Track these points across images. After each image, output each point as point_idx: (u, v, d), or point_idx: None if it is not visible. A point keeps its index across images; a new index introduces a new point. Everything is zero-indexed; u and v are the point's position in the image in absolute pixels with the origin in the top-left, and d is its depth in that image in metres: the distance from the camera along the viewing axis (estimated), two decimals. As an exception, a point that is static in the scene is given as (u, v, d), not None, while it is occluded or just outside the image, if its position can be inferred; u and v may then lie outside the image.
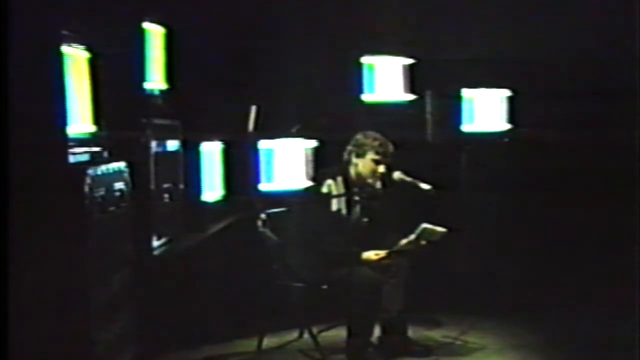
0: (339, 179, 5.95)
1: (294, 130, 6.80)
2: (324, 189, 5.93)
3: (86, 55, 4.56)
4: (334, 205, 5.92)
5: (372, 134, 5.99)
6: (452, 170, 7.38)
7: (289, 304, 6.10)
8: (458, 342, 6.27)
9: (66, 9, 4.28)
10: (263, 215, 6.06)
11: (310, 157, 6.62)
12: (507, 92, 7.55)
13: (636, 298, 6.08)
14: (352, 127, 6.29)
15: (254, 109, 6.80)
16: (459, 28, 7.43)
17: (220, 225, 6.39)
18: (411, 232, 5.79)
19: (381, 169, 5.91)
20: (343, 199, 5.93)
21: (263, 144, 6.54)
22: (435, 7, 7.37)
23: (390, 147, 5.95)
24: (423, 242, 5.81)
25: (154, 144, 5.43)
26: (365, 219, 6.02)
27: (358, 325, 5.69)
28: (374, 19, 7.25)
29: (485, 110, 7.50)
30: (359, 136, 6.01)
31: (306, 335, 6.08)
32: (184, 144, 5.91)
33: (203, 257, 6.10)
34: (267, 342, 6.05)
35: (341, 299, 5.70)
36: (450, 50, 7.44)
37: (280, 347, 6.19)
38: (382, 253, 5.80)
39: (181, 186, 5.88)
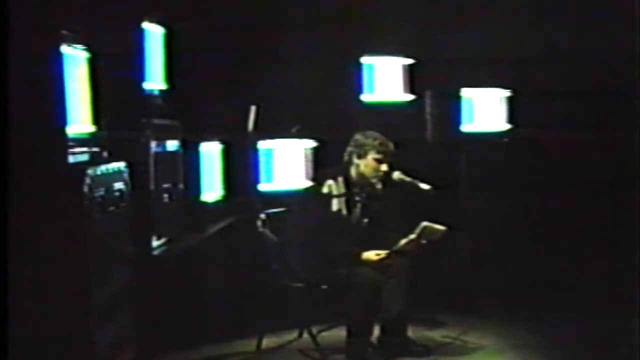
0: (340, 179, 5.95)
1: (294, 130, 6.79)
2: (324, 189, 5.93)
3: (86, 55, 4.56)
4: (334, 205, 5.92)
5: (371, 133, 5.99)
6: (451, 170, 7.37)
7: (289, 304, 6.10)
8: (458, 342, 6.27)
9: (66, 9, 4.28)
10: (263, 215, 6.06)
11: (310, 157, 6.62)
12: (507, 92, 7.55)
13: (636, 298, 6.08)
14: (352, 127, 6.29)
15: (254, 109, 6.80)
16: (458, 28, 7.43)
17: (220, 225, 6.39)
18: (411, 232, 5.79)
19: (383, 167, 5.92)
20: (343, 199, 5.94)
21: (263, 144, 6.53)
22: (435, 8, 7.38)
23: (391, 146, 5.95)
24: (423, 241, 5.81)
25: (153, 144, 5.43)
26: (366, 219, 6.02)
27: (358, 325, 5.69)
28: (374, 19, 7.25)
29: (485, 110, 7.49)
30: (358, 136, 6.01)
31: (306, 335, 6.08)
32: (183, 144, 5.91)
33: (203, 257, 6.10)
34: (267, 342, 6.06)
35: (341, 299, 5.70)
36: (450, 50, 7.44)
37: (280, 347, 6.19)
38: (382, 253, 5.80)
39: (181, 186, 5.88)
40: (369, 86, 7.24)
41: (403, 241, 5.81)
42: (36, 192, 4.08)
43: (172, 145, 5.76)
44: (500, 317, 6.75)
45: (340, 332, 5.89)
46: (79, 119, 4.45)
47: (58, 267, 4.11)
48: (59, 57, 4.21)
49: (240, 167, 6.61)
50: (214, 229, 6.28)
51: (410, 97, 7.34)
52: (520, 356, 6.00)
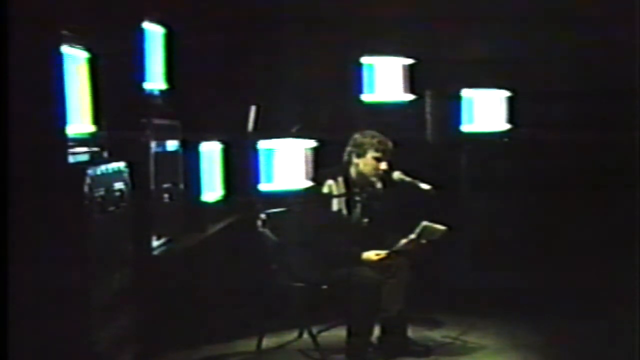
0: (340, 179, 5.95)
1: (294, 130, 6.80)
2: (325, 189, 5.93)
3: (86, 55, 4.56)
4: (335, 205, 5.92)
5: (370, 132, 5.99)
6: (452, 170, 7.38)
7: (289, 304, 6.10)
8: (458, 342, 6.26)
9: (66, 9, 4.28)
10: (263, 215, 6.06)
11: (310, 157, 6.62)
12: (507, 92, 7.55)
13: (636, 298, 6.08)
14: (352, 127, 6.29)
15: (254, 109, 6.81)
16: (458, 28, 7.43)
17: (220, 225, 6.39)
18: (411, 232, 5.79)
19: (383, 166, 5.92)
20: (343, 199, 5.93)
21: (263, 144, 6.54)
22: (435, 8, 7.38)
23: (390, 144, 5.95)
24: (423, 241, 5.81)
25: (153, 144, 5.43)
26: (366, 219, 6.02)
27: (358, 325, 5.69)
28: (374, 19, 7.25)
29: (485, 110, 7.50)
30: (357, 136, 6.01)
31: (306, 335, 6.08)
32: (183, 144, 5.91)
33: (203, 257, 6.10)
34: (267, 342, 6.05)
35: (341, 299, 5.70)
36: (450, 50, 7.45)
37: (280, 347, 6.19)
38: (382, 253, 5.80)
39: (181, 186, 5.88)
40: (369, 86, 7.25)
41: (403, 241, 5.81)
42: (36, 192, 4.08)
43: (172, 145, 5.76)
44: (500, 317, 6.75)
45: (340, 332, 5.89)
46: (79, 119, 4.46)
47: (58, 267, 4.11)
48: (59, 57, 4.21)
49: (240, 167, 6.62)
50: (214, 229, 6.28)
51: (410, 97, 7.35)
52: (520, 356, 6.00)
